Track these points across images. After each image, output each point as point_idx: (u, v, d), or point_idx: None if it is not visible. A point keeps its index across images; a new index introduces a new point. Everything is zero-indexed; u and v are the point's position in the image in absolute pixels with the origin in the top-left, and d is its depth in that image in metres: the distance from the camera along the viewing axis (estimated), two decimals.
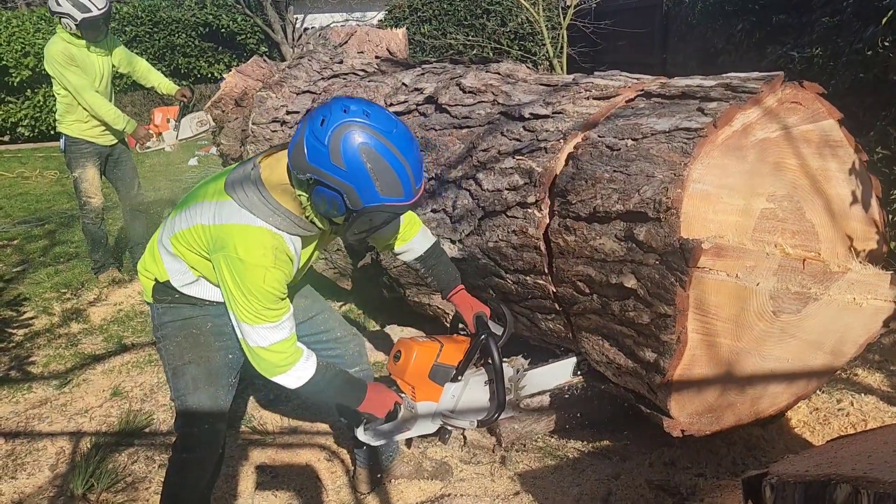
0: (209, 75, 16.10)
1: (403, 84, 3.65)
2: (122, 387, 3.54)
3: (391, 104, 3.54)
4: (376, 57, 4.57)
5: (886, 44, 2.99)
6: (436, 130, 3.09)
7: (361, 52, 4.64)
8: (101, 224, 5.11)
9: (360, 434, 2.20)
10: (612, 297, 2.24)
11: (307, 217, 1.90)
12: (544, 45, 11.28)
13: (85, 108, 4.68)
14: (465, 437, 2.95)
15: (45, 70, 4.67)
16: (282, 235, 1.89)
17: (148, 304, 2.20)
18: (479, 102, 3.02)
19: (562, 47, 10.15)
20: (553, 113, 2.64)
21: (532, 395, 2.49)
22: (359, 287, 4.11)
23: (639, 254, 2.11)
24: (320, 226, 1.93)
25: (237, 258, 1.85)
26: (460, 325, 2.44)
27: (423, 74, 3.67)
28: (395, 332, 3.83)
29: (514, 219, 2.57)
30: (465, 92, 3.13)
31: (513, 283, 2.66)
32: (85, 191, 4.95)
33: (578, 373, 2.55)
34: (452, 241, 2.89)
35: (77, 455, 3.00)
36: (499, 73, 3.22)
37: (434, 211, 3.02)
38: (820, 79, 3.94)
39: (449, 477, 2.69)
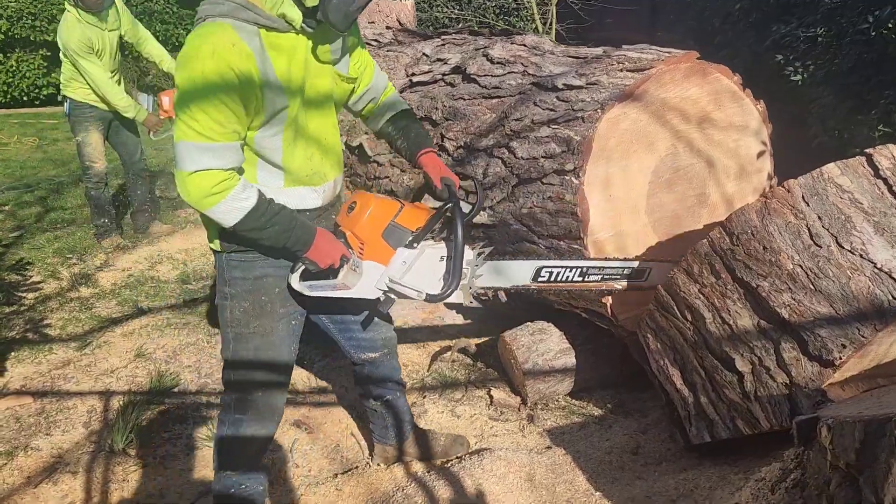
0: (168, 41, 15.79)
1: (424, 54, 3.70)
2: (144, 348, 3.58)
3: (414, 74, 3.60)
4: (387, 27, 4.60)
5: None
6: (465, 100, 3.16)
7: (372, 22, 4.66)
8: (104, 189, 5.10)
9: (295, 282, 2.03)
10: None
11: (274, 10, 1.76)
12: (531, 20, 11.33)
13: (95, 92, 4.68)
14: (491, 397, 3.07)
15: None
16: (227, 22, 1.72)
17: (213, 251, 2.08)
18: (509, 73, 3.10)
19: (551, 23, 10.21)
20: (587, 84, 2.74)
21: (486, 288, 2.29)
22: None
23: None
24: (290, 14, 1.76)
25: (180, 55, 1.73)
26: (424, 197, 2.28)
27: (443, 45, 3.73)
28: None
29: (550, 185, 2.67)
30: (493, 63, 3.20)
31: (545, 249, 2.77)
32: (88, 155, 4.93)
33: (539, 280, 2.34)
34: (483, 209, 2.98)
35: (109, 413, 3.05)
36: (525, 45, 3.30)
37: (463, 178, 3.10)
38: (824, 58, 4.11)
39: (463, 451, 2.66)
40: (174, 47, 15.28)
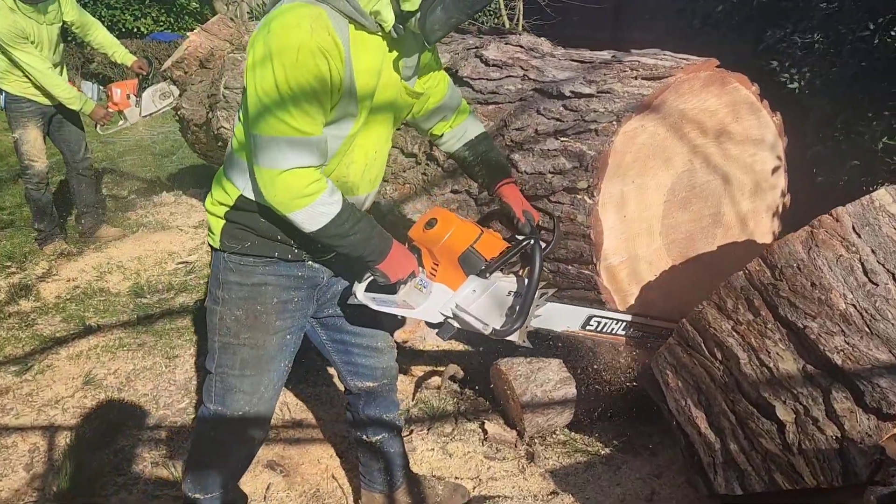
0: (135, 30, 15.15)
1: None
2: (93, 374, 3.21)
3: None
4: None
5: None
6: None
7: None
8: (45, 190, 4.68)
9: (360, 292, 1.89)
10: None
11: (368, 7, 1.61)
12: (495, 14, 11.09)
13: (34, 84, 4.27)
14: (484, 431, 2.81)
15: None
16: (322, 7, 1.57)
17: (213, 249, 1.88)
18: (507, 77, 2.83)
19: (518, 20, 10.00)
20: (598, 92, 2.49)
21: (540, 328, 2.22)
22: None
23: None
24: (384, 14, 1.61)
25: (268, 33, 1.56)
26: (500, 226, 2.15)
27: None
28: None
29: (559, 204, 2.41)
30: (488, 65, 2.93)
31: (550, 272, 2.52)
32: (27, 153, 4.51)
33: (587, 328, 2.30)
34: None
35: (55, 452, 2.69)
36: (521, 46, 3.04)
37: (455, 192, 2.83)
38: (821, 65, 3.95)
39: (462, 500, 2.42)
40: (120, 34, 14.60)
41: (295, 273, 1.87)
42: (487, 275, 1.92)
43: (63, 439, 2.75)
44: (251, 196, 1.76)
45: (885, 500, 1.45)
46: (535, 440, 2.79)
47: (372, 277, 1.86)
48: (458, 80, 2.96)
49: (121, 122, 4.84)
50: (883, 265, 1.86)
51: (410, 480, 2.38)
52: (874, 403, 1.78)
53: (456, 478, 2.54)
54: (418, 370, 3.29)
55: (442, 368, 3.27)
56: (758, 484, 2.05)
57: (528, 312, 1.92)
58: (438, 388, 3.10)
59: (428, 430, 2.82)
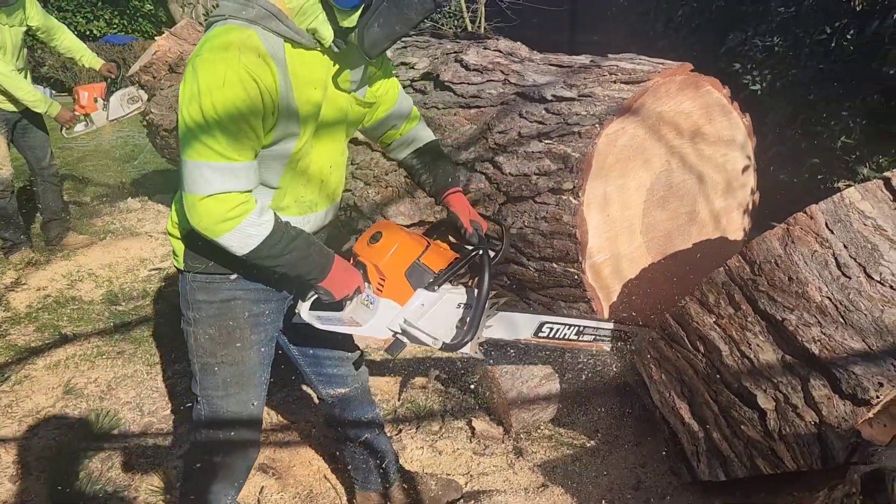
0: (87, 32, 14.85)
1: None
2: (73, 383, 3.17)
3: None
4: None
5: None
6: (438, 109, 2.94)
7: None
8: (10, 198, 4.58)
9: (304, 311, 1.85)
10: None
11: (304, 24, 1.59)
12: (454, 17, 11.17)
13: None
14: (472, 428, 2.86)
15: None
16: (253, 29, 1.54)
17: (178, 270, 1.86)
18: (488, 81, 2.90)
19: (479, 22, 10.10)
20: (580, 96, 2.57)
21: (491, 339, 2.19)
22: None
23: None
24: (322, 32, 1.59)
25: (197, 57, 1.53)
26: (449, 237, 2.12)
27: (405, 48, 3.48)
28: None
29: (544, 205, 2.48)
30: (469, 69, 2.99)
31: (536, 271, 2.59)
32: None
33: (540, 335, 2.27)
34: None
35: (40, 463, 2.66)
36: (499, 51, 3.10)
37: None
38: (781, 67, 4.11)
39: (456, 495, 2.46)
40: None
41: (262, 286, 1.85)
42: (436, 288, 1.88)
43: (48, 450, 2.72)
44: None
45: (868, 478, 1.55)
46: (522, 435, 2.85)
47: (316, 295, 1.82)
48: (440, 84, 3.02)
49: (79, 127, 4.74)
50: (855, 259, 1.97)
51: (404, 477, 2.42)
52: (850, 390, 1.88)
53: (447, 474, 2.60)
54: (403, 370, 3.33)
55: (426, 368, 3.32)
56: (740, 470, 2.15)
57: (478, 324, 1.88)
58: (424, 387, 3.15)
59: (416, 428, 2.87)
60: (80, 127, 4.74)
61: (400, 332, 1.87)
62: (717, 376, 2.16)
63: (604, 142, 2.40)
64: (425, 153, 2.10)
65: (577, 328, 2.34)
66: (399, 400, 3.09)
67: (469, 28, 9.88)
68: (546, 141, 2.51)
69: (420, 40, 3.53)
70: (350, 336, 2.12)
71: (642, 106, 2.48)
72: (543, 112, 2.61)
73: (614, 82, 2.57)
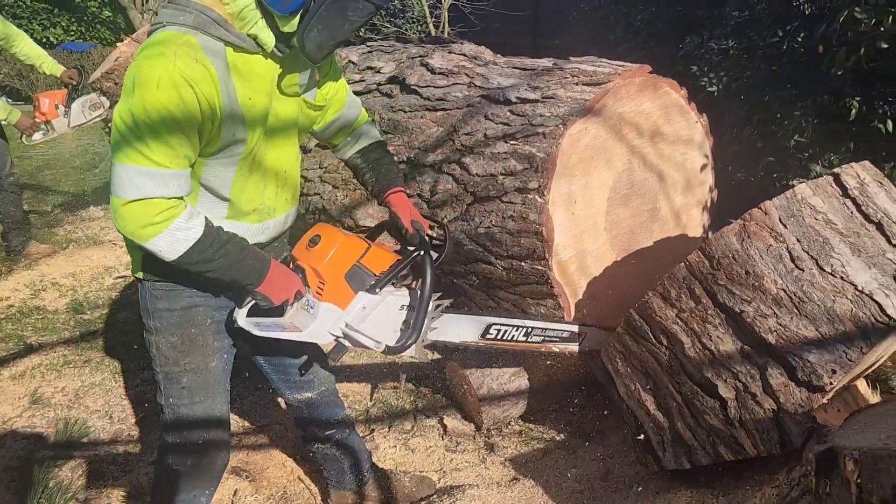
0: (44, 40, 14.57)
1: (351, 62, 3.48)
2: (40, 393, 3.14)
3: None
4: None
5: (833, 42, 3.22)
6: (405, 112, 2.98)
7: None
8: None
9: (241, 318, 1.81)
10: None
11: (244, 29, 1.58)
12: (417, 22, 11.22)
13: None
14: (444, 426, 2.91)
15: None
16: (192, 34, 1.54)
17: (137, 279, 1.84)
18: (453, 84, 2.95)
19: (443, 27, 10.17)
20: (543, 97, 2.63)
21: (437, 342, 2.16)
22: None
23: None
24: (263, 37, 1.59)
25: (136, 63, 1.51)
26: (391, 238, 2.10)
27: (371, 52, 3.52)
28: None
29: (511, 204, 2.54)
30: (434, 73, 3.04)
31: (503, 270, 2.64)
32: None
33: (487, 337, 2.25)
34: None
35: (8, 473, 2.63)
36: (464, 54, 3.16)
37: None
38: (736, 69, 4.24)
39: (429, 491, 2.50)
40: None
41: (224, 293, 1.85)
42: (377, 290, 1.84)
43: (16, 460, 2.69)
44: None
45: (822, 456, 1.63)
46: (493, 432, 2.91)
47: (253, 301, 1.79)
48: (406, 87, 3.06)
49: (38, 135, 4.65)
50: (807, 252, 2.06)
51: (377, 474, 2.45)
52: (805, 377, 1.97)
53: (420, 471, 2.63)
54: (373, 371, 3.36)
55: (397, 368, 3.35)
56: (704, 457, 2.23)
57: (421, 326, 1.85)
58: (395, 387, 3.19)
59: (389, 428, 2.90)
60: (38, 135, 4.67)
61: (341, 336, 1.83)
62: (680, 368, 2.24)
63: (567, 142, 2.47)
64: (370, 152, 2.10)
65: (525, 329, 2.32)
66: (371, 400, 3.12)
67: (433, 33, 9.94)
68: (511, 142, 2.57)
69: (385, 45, 3.57)
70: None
71: (604, 107, 2.55)
72: (508, 114, 2.67)
73: (576, 84, 2.64)
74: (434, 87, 2.98)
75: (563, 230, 2.51)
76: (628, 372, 2.42)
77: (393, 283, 1.90)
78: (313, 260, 1.83)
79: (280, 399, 3.08)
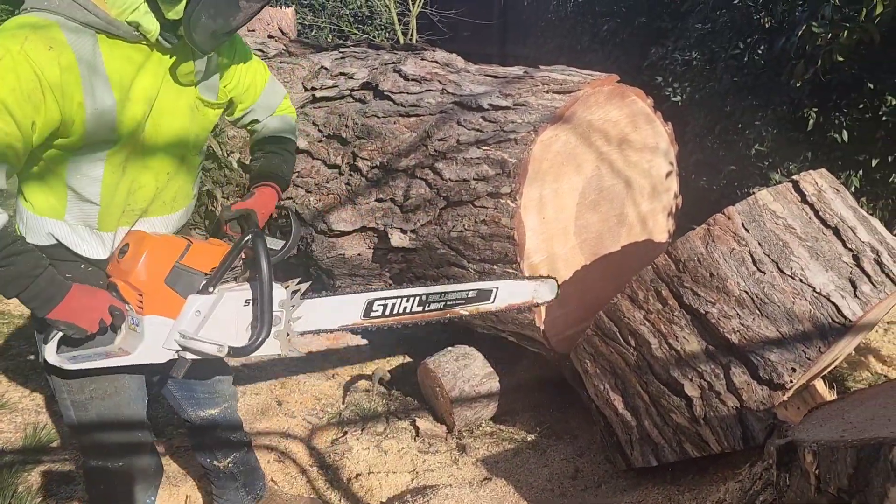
0: None
1: (323, 67, 3.50)
2: (6, 398, 3.09)
3: (315, 88, 3.39)
4: (269, 36, 4.32)
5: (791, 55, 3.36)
6: (378, 118, 3.01)
7: (252, 31, 4.36)
8: None
9: (50, 355, 1.61)
10: None
11: (122, 17, 1.46)
12: (385, 29, 11.28)
13: None
14: (416, 428, 2.94)
15: None
16: (54, 20, 1.42)
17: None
18: (426, 91, 2.99)
19: (411, 35, 10.23)
20: (515, 104, 2.69)
21: (307, 332, 1.92)
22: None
23: None
24: (145, 25, 1.47)
25: None
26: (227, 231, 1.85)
27: (343, 58, 3.55)
28: None
29: (483, 209, 2.59)
30: (407, 79, 3.08)
31: (476, 273, 2.69)
32: None
33: (372, 315, 2.02)
34: (403, 231, 2.85)
35: None
36: (436, 62, 3.21)
37: (379, 200, 2.95)
38: (699, 80, 4.37)
39: None
40: None
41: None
42: (210, 289, 1.67)
43: None
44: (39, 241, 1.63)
45: (782, 449, 1.70)
46: (464, 433, 2.95)
47: (59, 334, 1.60)
48: (379, 93, 3.09)
49: None
50: (768, 256, 2.15)
51: (271, 494, 2.37)
52: (766, 376, 2.06)
53: (393, 472, 2.66)
54: (345, 374, 3.38)
55: (369, 372, 3.38)
56: (671, 454, 2.31)
57: (269, 320, 1.66)
58: (367, 390, 3.21)
59: (361, 430, 2.93)
60: None
61: (180, 349, 1.67)
62: (648, 368, 2.31)
63: (539, 148, 2.53)
64: (265, 144, 1.97)
65: (418, 298, 2.12)
66: (343, 403, 3.14)
67: (401, 40, 10.00)
68: (484, 147, 2.62)
69: (358, 51, 3.61)
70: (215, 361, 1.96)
71: (573, 114, 2.62)
72: (481, 120, 2.72)
73: (547, 92, 2.70)
74: (407, 93, 3.02)
75: (535, 234, 2.57)
76: (597, 372, 2.48)
77: (234, 279, 1.76)
78: (124, 272, 1.66)
79: (254, 406, 3.09)
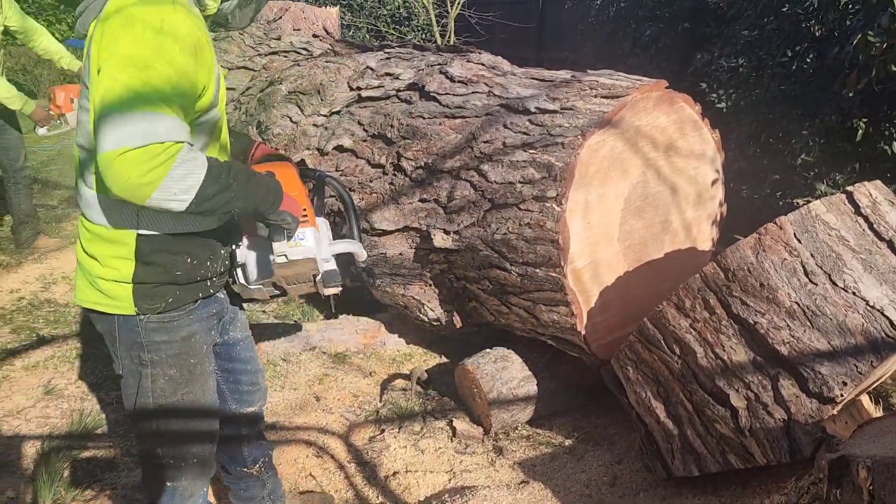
0: (52, 36, 14.58)
1: (369, 68, 3.53)
2: (53, 384, 3.17)
3: (360, 88, 3.42)
4: (314, 35, 4.37)
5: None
6: (424, 118, 3.03)
7: (298, 30, 4.41)
8: None
9: (292, 251, 1.67)
10: None
11: None
12: (423, 30, 11.31)
13: None
14: (453, 428, 2.95)
15: None
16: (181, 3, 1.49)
17: (122, 317, 1.63)
18: (473, 93, 3.00)
19: (449, 37, 10.25)
20: (562, 108, 2.69)
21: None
22: None
23: None
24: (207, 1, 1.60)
25: (128, 10, 1.40)
26: None
27: (388, 59, 3.57)
28: (352, 321, 3.73)
29: (528, 212, 2.59)
30: (454, 81, 3.09)
31: (518, 276, 2.69)
32: None
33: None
34: (447, 232, 2.86)
35: (22, 462, 2.66)
36: (483, 64, 3.22)
37: (423, 200, 2.97)
38: (745, 87, 4.31)
39: None
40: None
41: (211, 311, 1.78)
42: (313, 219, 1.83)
43: (31, 449, 2.71)
44: (150, 230, 1.58)
45: (834, 464, 1.68)
46: (501, 435, 2.95)
47: (278, 235, 1.64)
48: (425, 94, 3.11)
49: (61, 126, 4.70)
50: (821, 267, 2.12)
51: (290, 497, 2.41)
52: (816, 388, 2.03)
53: (430, 471, 2.67)
54: (382, 373, 3.40)
55: (405, 371, 3.39)
56: (713, 465, 2.28)
57: (359, 232, 2.05)
58: (405, 389, 3.23)
59: (399, 428, 2.94)
60: (42, 130, 4.64)
61: (329, 259, 1.80)
62: (692, 377, 2.29)
63: (586, 152, 2.52)
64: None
65: None
66: (381, 402, 3.16)
67: (439, 42, 10.02)
68: (530, 151, 2.62)
69: (403, 52, 3.63)
70: (255, 351, 2.09)
71: (622, 119, 2.61)
72: (527, 123, 2.72)
73: (595, 96, 2.69)
74: (453, 94, 3.03)
75: (579, 239, 2.56)
76: (639, 379, 2.47)
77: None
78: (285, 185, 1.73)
79: (292, 401, 3.12)
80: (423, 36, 11.36)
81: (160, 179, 1.34)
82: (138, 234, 1.58)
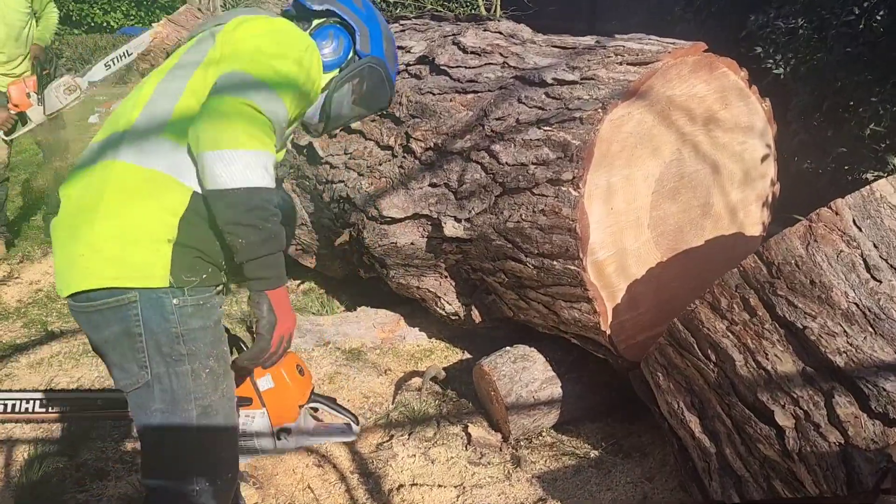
0: (104, 24, 14.83)
1: None
2: (55, 383, 3.05)
3: None
4: None
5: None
6: (433, 95, 2.75)
7: None
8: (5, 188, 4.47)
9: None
10: None
11: None
12: (469, 5, 10.93)
13: None
14: (468, 435, 2.69)
15: None
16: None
17: (153, 296, 1.42)
18: (486, 64, 2.70)
19: (494, 10, 9.87)
20: (582, 79, 2.36)
21: None
22: (322, 264, 3.74)
23: None
24: None
25: (262, 22, 1.57)
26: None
27: (403, 31, 3.30)
28: (369, 314, 3.50)
29: (542, 197, 2.29)
30: (466, 52, 2.80)
31: (534, 268, 2.40)
32: None
33: None
34: (458, 220, 2.59)
35: (12, 467, 2.53)
36: (500, 32, 2.91)
37: (433, 185, 2.69)
38: (805, 51, 3.86)
39: None
40: (89, 28, 14.24)
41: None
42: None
43: (22, 453, 2.59)
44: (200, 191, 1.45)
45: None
46: (521, 443, 2.68)
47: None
48: (436, 68, 2.83)
49: (27, 125, 4.36)
50: (886, 261, 1.76)
51: None
52: (880, 408, 1.68)
53: (438, 485, 2.43)
54: (399, 370, 3.17)
55: (422, 369, 3.15)
56: (756, 491, 1.95)
57: None
58: (419, 389, 2.98)
59: (409, 434, 2.70)
60: (18, 129, 4.37)
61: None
62: (731, 388, 1.96)
63: (607, 128, 2.20)
64: None
65: (39, 401, 2.10)
66: (393, 403, 2.92)
67: (484, 14, 9.65)
68: (545, 128, 2.32)
69: (419, 23, 3.34)
70: None
71: (650, 89, 2.27)
72: (543, 97, 2.41)
73: (620, 64, 2.36)
74: (465, 67, 2.74)
75: (601, 226, 2.25)
76: (671, 388, 2.15)
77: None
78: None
79: None
80: (469, 11, 11.01)
81: (246, 146, 1.37)
82: (194, 192, 1.46)
